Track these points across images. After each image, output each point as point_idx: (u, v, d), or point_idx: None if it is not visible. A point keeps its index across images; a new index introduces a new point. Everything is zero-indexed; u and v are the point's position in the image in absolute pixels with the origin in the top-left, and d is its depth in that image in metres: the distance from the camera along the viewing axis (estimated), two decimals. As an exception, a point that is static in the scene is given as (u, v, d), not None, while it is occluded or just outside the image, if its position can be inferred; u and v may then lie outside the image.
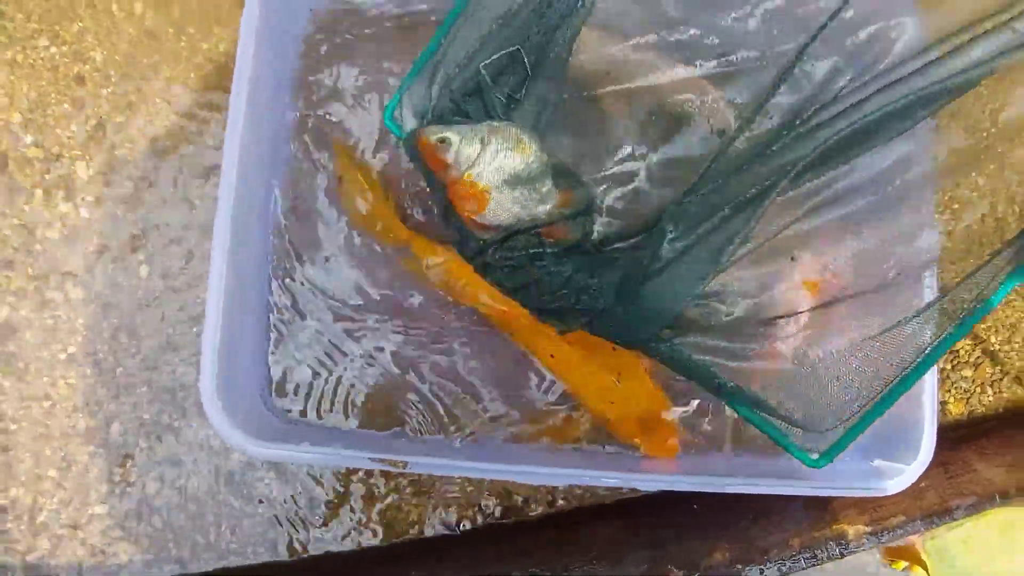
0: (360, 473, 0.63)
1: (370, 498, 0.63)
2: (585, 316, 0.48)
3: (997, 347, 0.73)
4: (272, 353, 0.58)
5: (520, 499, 0.64)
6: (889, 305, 0.48)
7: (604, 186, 0.50)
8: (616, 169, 0.51)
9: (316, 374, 0.58)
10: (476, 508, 0.64)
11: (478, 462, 0.48)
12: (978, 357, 0.73)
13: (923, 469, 0.53)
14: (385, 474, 0.63)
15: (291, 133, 0.61)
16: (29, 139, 0.65)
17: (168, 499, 0.62)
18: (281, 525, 0.62)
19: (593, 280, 0.46)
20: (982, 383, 0.72)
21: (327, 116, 0.61)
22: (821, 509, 0.61)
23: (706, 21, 0.52)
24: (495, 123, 0.44)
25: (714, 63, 0.52)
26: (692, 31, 0.52)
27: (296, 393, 0.58)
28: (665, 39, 0.52)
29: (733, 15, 0.51)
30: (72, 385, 0.63)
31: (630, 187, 0.51)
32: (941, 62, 0.42)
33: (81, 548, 0.62)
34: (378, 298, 0.59)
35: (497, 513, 0.64)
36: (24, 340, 0.63)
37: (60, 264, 0.64)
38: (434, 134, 0.43)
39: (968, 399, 0.72)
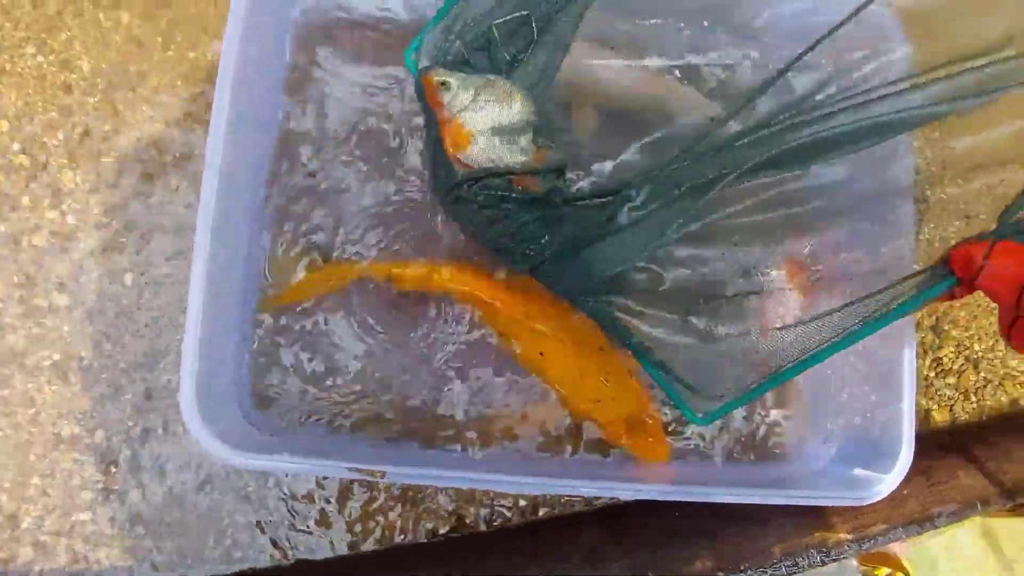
0: (344, 480, 0.63)
1: (354, 505, 0.63)
2: (530, 262, 0.52)
3: (980, 355, 0.73)
4: (253, 361, 0.58)
5: (500, 507, 0.64)
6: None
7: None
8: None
9: (298, 382, 0.58)
10: (457, 516, 0.64)
11: (457, 471, 0.48)
12: (961, 365, 0.73)
13: (902, 478, 0.54)
14: (370, 482, 0.63)
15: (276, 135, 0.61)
16: (16, 147, 0.66)
17: (152, 506, 0.62)
18: (265, 532, 0.63)
19: (544, 231, 0.51)
20: (965, 390, 0.73)
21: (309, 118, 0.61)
22: (803, 517, 0.62)
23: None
24: (492, 77, 0.50)
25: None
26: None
27: (277, 402, 0.58)
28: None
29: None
30: (57, 392, 0.63)
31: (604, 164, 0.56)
32: (906, 93, 0.44)
33: (64, 555, 0.62)
34: (362, 307, 0.59)
35: (477, 521, 0.64)
36: (9, 346, 0.63)
37: (46, 271, 0.64)
38: (438, 76, 0.49)
39: (952, 407, 0.72)
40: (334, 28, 0.63)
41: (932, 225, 0.58)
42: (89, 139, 0.66)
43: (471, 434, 0.57)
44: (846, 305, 0.47)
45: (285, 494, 0.63)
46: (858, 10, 0.45)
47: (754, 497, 0.51)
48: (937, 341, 0.73)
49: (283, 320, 0.58)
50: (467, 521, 0.64)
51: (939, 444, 0.69)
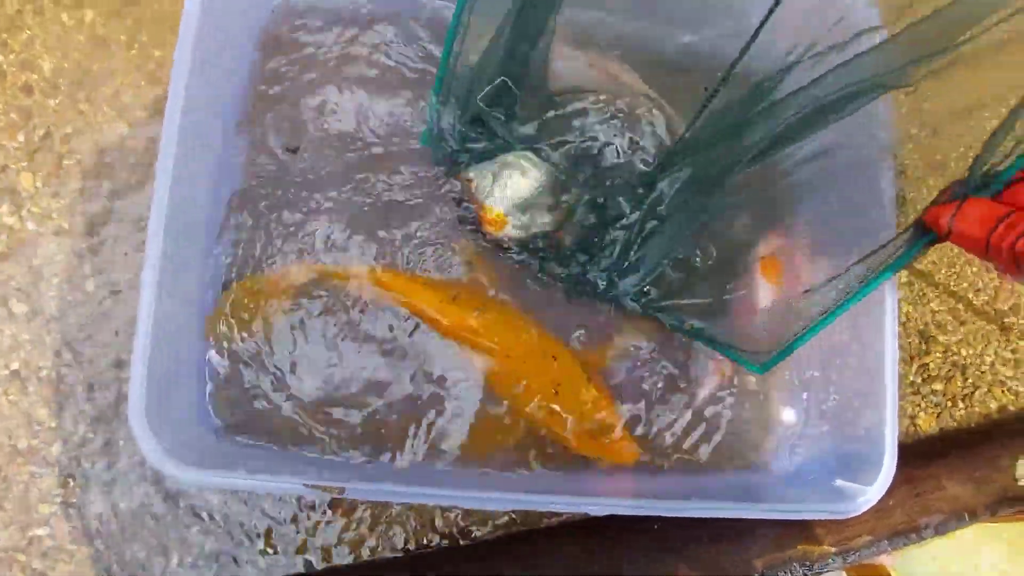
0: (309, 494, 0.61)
1: (321, 516, 0.61)
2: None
3: (968, 360, 0.72)
4: (211, 374, 0.55)
5: (471, 523, 0.62)
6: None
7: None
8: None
9: (258, 396, 0.56)
10: (425, 533, 0.62)
11: (421, 487, 0.46)
12: (949, 371, 0.71)
13: (885, 489, 0.52)
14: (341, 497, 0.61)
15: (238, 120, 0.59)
16: (-26, 150, 0.64)
17: (112, 521, 0.60)
18: (229, 548, 0.61)
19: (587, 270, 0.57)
20: (953, 397, 0.71)
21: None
22: (785, 529, 0.60)
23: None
24: (504, 156, 0.54)
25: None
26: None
27: (235, 416, 0.55)
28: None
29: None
30: (14, 403, 0.61)
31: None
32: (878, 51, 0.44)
33: (21, 573, 0.60)
34: (327, 317, 0.57)
35: (447, 538, 0.62)
36: (-34, 356, 0.61)
37: (4, 278, 0.62)
38: (464, 175, 0.55)
39: (939, 414, 0.71)
40: (297, 29, 0.61)
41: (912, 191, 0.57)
42: (50, 141, 0.64)
43: (438, 446, 0.55)
44: (847, 269, 0.49)
45: (252, 509, 0.61)
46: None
47: (732, 511, 0.50)
48: (924, 346, 0.71)
49: (241, 333, 0.56)
50: (433, 537, 0.62)
51: (925, 452, 0.68)
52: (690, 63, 0.60)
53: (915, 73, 0.43)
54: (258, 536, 0.61)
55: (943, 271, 0.73)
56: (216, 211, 0.56)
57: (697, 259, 0.59)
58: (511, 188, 0.54)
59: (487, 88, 0.53)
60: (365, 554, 0.61)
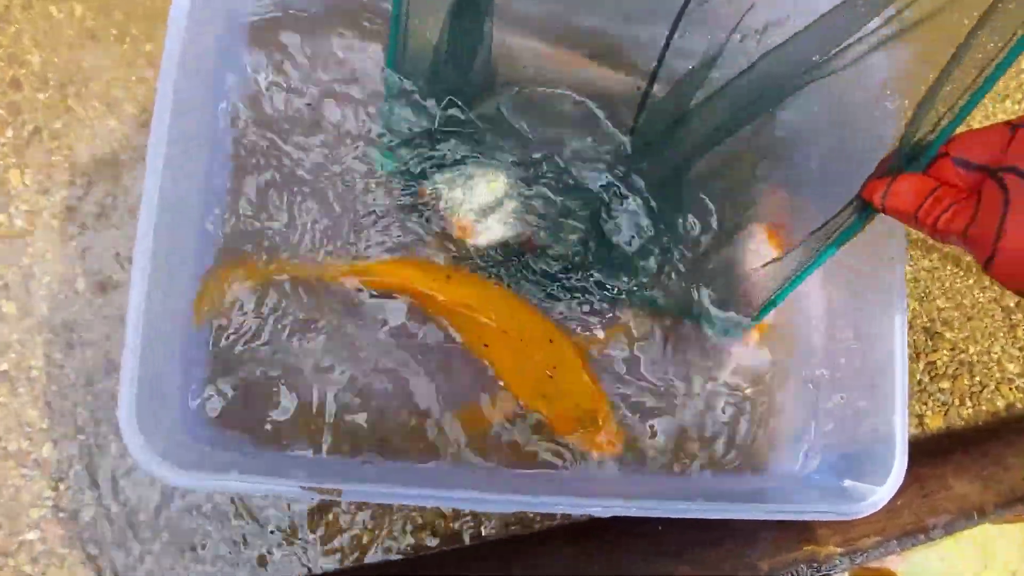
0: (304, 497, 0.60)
1: (317, 518, 0.60)
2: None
3: (975, 358, 0.71)
4: (205, 374, 0.54)
5: (479, 520, 0.61)
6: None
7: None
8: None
9: (252, 396, 0.55)
10: (424, 531, 0.61)
11: (419, 489, 0.45)
12: (956, 368, 0.70)
13: (895, 489, 0.51)
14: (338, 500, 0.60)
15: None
16: (-38, 146, 0.62)
17: (105, 525, 0.59)
18: (224, 552, 0.59)
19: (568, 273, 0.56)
20: (960, 395, 0.70)
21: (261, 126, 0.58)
22: (791, 530, 0.59)
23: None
24: (467, 166, 0.55)
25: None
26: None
27: (229, 417, 0.54)
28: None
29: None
30: (3, 404, 0.59)
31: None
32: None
33: (12, 577, 0.58)
34: (320, 311, 0.56)
35: (445, 539, 0.61)
36: (-46, 357, 0.60)
37: (-7, 277, 0.61)
38: (428, 187, 0.55)
39: (946, 412, 0.69)
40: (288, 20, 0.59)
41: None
42: (39, 137, 0.63)
43: (440, 439, 0.54)
44: (800, 243, 0.50)
45: (249, 510, 0.60)
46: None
47: (737, 512, 0.48)
48: (930, 344, 0.70)
49: (235, 332, 0.55)
50: (430, 539, 0.61)
51: (932, 451, 0.67)
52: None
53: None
54: (254, 539, 0.59)
55: (949, 267, 0.72)
56: (209, 207, 0.55)
57: (686, 238, 0.57)
58: (478, 196, 0.54)
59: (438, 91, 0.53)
60: (359, 558, 0.60)
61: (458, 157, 0.55)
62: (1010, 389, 0.70)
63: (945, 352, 0.70)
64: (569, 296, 0.57)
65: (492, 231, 0.55)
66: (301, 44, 0.59)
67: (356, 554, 0.60)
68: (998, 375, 0.71)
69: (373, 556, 0.60)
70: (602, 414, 0.56)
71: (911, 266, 0.71)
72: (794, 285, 0.52)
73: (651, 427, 0.57)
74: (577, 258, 0.56)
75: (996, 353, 0.71)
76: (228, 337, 0.55)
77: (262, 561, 0.60)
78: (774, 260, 0.54)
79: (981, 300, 0.71)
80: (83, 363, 0.60)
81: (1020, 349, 0.71)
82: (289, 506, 0.60)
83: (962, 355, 0.70)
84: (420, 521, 0.61)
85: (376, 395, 0.55)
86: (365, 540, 0.60)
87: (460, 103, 0.53)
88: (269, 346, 0.55)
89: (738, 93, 0.49)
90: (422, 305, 0.56)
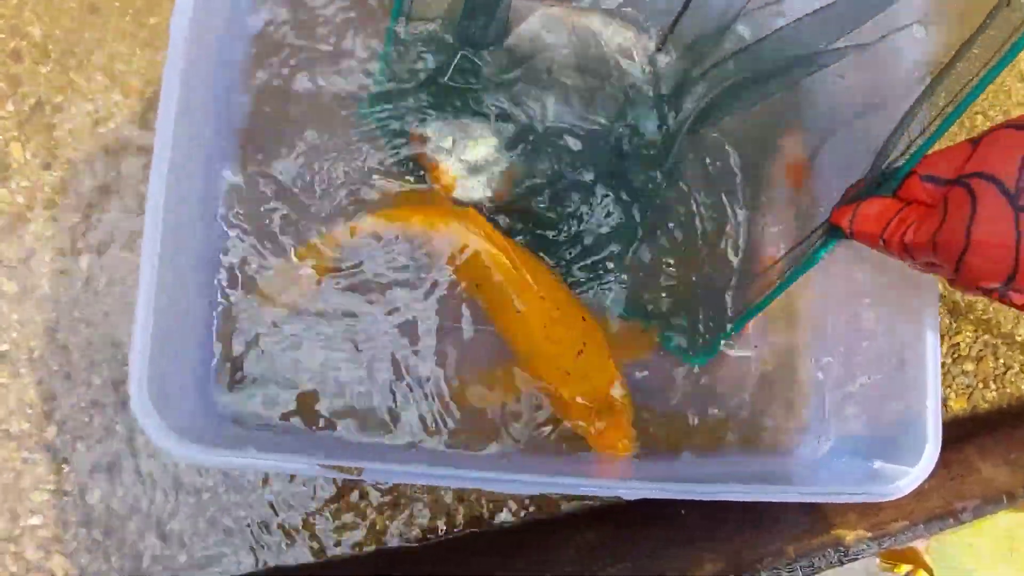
0: (320, 477, 0.58)
1: (331, 503, 0.58)
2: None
3: (1000, 340, 0.69)
4: (218, 348, 0.52)
5: (489, 508, 0.59)
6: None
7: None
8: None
9: (269, 371, 0.53)
10: (441, 518, 0.59)
11: (440, 468, 0.43)
12: (980, 351, 0.69)
13: (929, 471, 0.49)
14: (351, 480, 0.58)
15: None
16: (-39, 120, 0.60)
17: (110, 508, 0.57)
18: (238, 535, 0.58)
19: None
20: (984, 378, 0.68)
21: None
22: (818, 514, 0.57)
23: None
24: (464, 121, 0.54)
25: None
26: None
27: (245, 393, 0.52)
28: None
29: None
30: (5, 385, 0.58)
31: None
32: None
33: (14, 564, 0.56)
34: (340, 287, 0.54)
35: (463, 523, 0.59)
36: (-47, 337, 0.58)
37: (-6, 255, 0.59)
38: (418, 130, 0.54)
39: (970, 394, 0.68)
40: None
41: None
42: (40, 111, 0.61)
43: (459, 424, 0.52)
44: (774, 263, 0.53)
45: (261, 494, 0.58)
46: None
47: (771, 495, 0.47)
48: (954, 325, 0.69)
49: (250, 304, 0.53)
50: (451, 522, 0.59)
51: (957, 435, 0.65)
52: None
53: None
54: (264, 523, 0.58)
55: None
56: (219, 178, 0.53)
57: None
58: (468, 154, 0.54)
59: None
60: (373, 543, 0.58)
61: (457, 105, 0.55)
62: (1035, 372, 0.69)
63: (969, 334, 0.69)
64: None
65: (474, 190, 0.54)
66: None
67: (362, 540, 0.58)
68: (1022, 358, 0.69)
69: (387, 542, 0.59)
70: (619, 406, 0.53)
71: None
72: (760, 307, 0.52)
73: (670, 409, 0.56)
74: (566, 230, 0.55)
75: (1021, 335, 0.69)
76: (241, 315, 0.53)
77: (275, 543, 0.58)
78: (754, 277, 0.56)
79: (1005, 281, 0.70)
80: (87, 343, 0.58)
81: (1045, 331, 0.70)
82: (301, 488, 0.58)
83: (986, 337, 0.69)
84: (435, 508, 0.59)
85: (387, 375, 0.53)
86: (379, 527, 0.59)
87: (471, 54, 0.54)
88: (292, 321, 0.53)
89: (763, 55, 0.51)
90: (462, 265, 0.53)
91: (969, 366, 0.68)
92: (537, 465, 0.51)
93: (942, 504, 0.59)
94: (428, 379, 0.53)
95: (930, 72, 0.43)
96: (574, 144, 0.56)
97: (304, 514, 0.58)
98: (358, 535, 0.58)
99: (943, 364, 0.68)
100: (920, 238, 0.39)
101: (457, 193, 0.54)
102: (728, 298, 0.57)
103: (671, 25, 0.56)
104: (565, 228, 0.55)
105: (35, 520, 0.57)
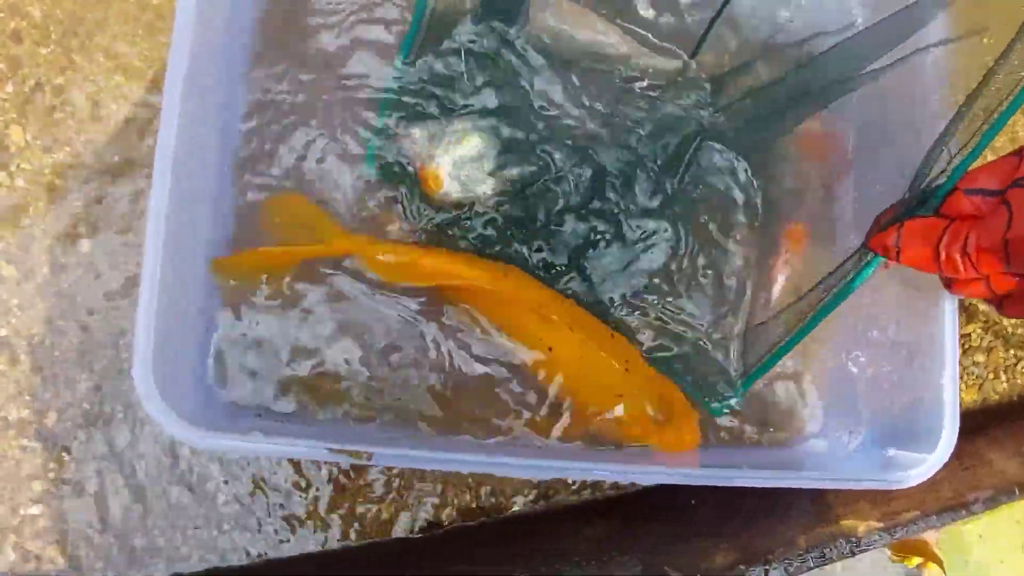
0: (325, 467, 0.57)
1: (336, 494, 0.57)
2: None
3: (1010, 331, 0.69)
4: (222, 332, 0.51)
5: (500, 497, 0.59)
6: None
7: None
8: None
9: (274, 354, 0.52)
10: (451, 507, 0.58)
11: (452, 453, 0.42)
12: (990, 342, 0.68)
13: (946, 459, 0.49)
14: (354, 468, 0.57)
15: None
16: (-41, 101, 0.59)
17: (110, 497, 0.56)
18: (237, 527, 0.57)
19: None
20: (995, 369, 0.68)
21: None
22: (829, 504, 0.57)
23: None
24: (446, 119, 0.54)
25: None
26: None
27: (250, 378, 0.51)
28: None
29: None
30: (3, 372, 0.56)
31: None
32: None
33: (13, 553, 0.55)
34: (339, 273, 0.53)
35: (473, 511, 0.58)
36: (-49, 323, 0.57)
37: (-8, 239, 0.58)
38: (404, 131, 0.54)
39: (981, 385, 0.68)
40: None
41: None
42: (41, 92, 0.60)
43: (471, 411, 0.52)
44: (804, 295, 0.50)
45: (262, 484, 0.57)
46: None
47: (787, 480, 0.46)
48: (964, 317, 0.68)
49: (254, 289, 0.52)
50: (458, 513, 0.58)
51: (967, 426, 0.64)
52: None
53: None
54: (269, 512, 0.57)
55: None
56: (224, 157, 0.52)
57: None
58: (454, 151, 0.53)
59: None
60: (377, 532, 0.58)
61: (448, 108, 0.54)
62: (1046, 363, 0.69)
63: (979, 325, 0.68)
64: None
65: (461, 187, 0.53)
66: None
67: (368, 528, 0.58)
68: (1033, 349, 0.69)
69: (394, 531, 0.58)
70: (680, 403, 0.52)
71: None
72: (790, 346, 0.49)
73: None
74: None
75: (1031, 327, 0.69)
76: (242, 304, 0.52)
77: (277, 533, 0.57)
78: (774, 315, 0.53)
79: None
80: (87, 329, 0.57)
81: (1055, 323, 0.69)
82: (307, 476, 0.57)
83: (996, 327, 0.68)
84: (443, 497, 0.58)
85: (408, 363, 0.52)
86: (385, 516, 0.58)
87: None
88: (299, 302, 0.52)
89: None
90: (478, 307, 0.52)
91: (980, 357, 0.68)
92: (550, 450, 0.50)
93: (954, 495, 0.58)
94: (430, 366, 0.53)
95: (953, 98, 0.43)
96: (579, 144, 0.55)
97: (307, 504, 0.57)
98: (362, 525, 0.57)
99: (953, 355, 0.68)
100: (987, 241, 0.38)
101: (446, 192, 0.53)
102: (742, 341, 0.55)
103: (695, 48, 0.56)
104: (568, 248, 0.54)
105: (34, 509, 0.56)
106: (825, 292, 0.47)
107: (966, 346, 0.68)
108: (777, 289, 0.57)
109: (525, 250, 0.53)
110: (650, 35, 0.57)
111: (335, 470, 0.57)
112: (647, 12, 0.58)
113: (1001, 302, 0.42)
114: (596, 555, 0.55)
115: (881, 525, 0.56)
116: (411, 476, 0.58)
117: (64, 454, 0.56)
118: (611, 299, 0.53)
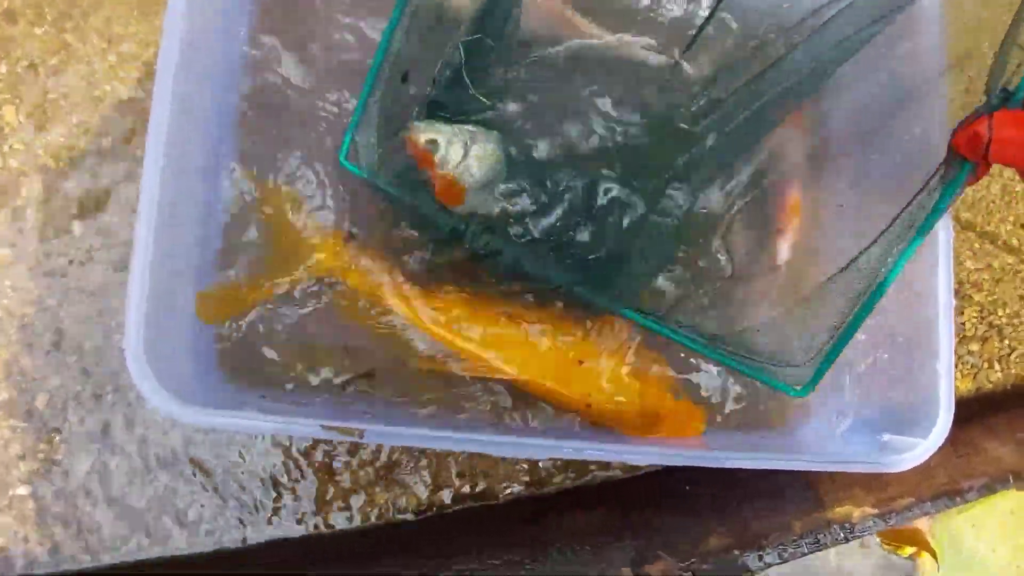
0: (318, 450, 0.57)
1: (327, 478, 0.57)
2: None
3: (1005, 321, 0.69)
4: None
5: (493, 481, 0.58)
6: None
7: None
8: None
9: (266, 333, 0.52)
10: (443, 490, 0.58)
11: (446, 431, 0.42)
12: (985, 331, 0.68)
13: (940, 443, 0.48)
14: (348, 450, 0.57)
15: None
16: (-48, 81, 0.59)
17: (100, 479, 0.56)
18: (228, 509, 0.56)
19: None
20: (989, 358, 0.68)
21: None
22: (824, 490, 0.56)
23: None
24: (473, 129, 0.49)
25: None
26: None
27: (242, 355, 0.51)
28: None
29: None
30: (-6, 353, 0.56)
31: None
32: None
33: (2, 536, 0.55)
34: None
35: (467, 496, 0.58)
36: (-59, 303, 0.56)
37: (-16, 219, 0.57)
38: (424, 134, 0.46)
39: (976, 375, 0.67)
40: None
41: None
42: (35, 73, 0.59)
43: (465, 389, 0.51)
44: (876, 239, 0.44)
45: (252, 467, 0.56)
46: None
47: (781, 462, 0.46)
48: (959, 305, 0.68)
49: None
50: (440, 499, 0.58)
51: (962, 414, 0.64)
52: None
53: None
54: (259, 495, 0.56)
55: (977, 227, 0.70)
56: (219, 135, 0.52)
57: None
58: (480, 165, 0.48)
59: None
60: (370, 516, 0.57)
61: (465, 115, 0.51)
62: (1041, 353, 0.69)
63: (974, 314, 0.68)
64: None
65: (479, 206, 0.50)
66: None
67: (358, 512, 0.57)
68: (1028, 339, 0.69)
69: (384, 516, 0.57)
70: (677, 391, 0.53)
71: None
72: (871, 304, 0.43)
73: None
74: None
75: (1026, 316, 0.69)
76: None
77: (267, 519, 0.56)
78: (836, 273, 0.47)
79: (1010, 262, 0.70)
80: (79, 309, 0.57)
81: (1050, 313, 0.69)
82: (299, 457, 0.57)
83: (991, 317, 0.68)
84: (436, 480, 0.58)
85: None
86: (380, 500, 0.57)
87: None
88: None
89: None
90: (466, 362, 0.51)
91: (974, 346, 0.68)
92: (547, 431, 0.50)
93: (948, 482, 0.58)
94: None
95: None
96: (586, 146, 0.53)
97: (302, 486, 0.57)
98: (352, 509, 0.57)
99: (948, 345, 0.68)
100: None
101: (462, 208, 0.50)
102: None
103: (687, 45, 0.54)
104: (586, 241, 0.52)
105: (23, 490, 0.55)
106: (902, 231, 0.43)
107: (961, 335, 0.68)
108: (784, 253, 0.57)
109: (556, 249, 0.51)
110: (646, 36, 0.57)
111: (325, 452, 0.57)
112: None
113: None
114: (591, 538, 0.55)
115: (875, 511, 0.56)
116: (402, 457, 0.57)
117: (54, 435, 0.56)
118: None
